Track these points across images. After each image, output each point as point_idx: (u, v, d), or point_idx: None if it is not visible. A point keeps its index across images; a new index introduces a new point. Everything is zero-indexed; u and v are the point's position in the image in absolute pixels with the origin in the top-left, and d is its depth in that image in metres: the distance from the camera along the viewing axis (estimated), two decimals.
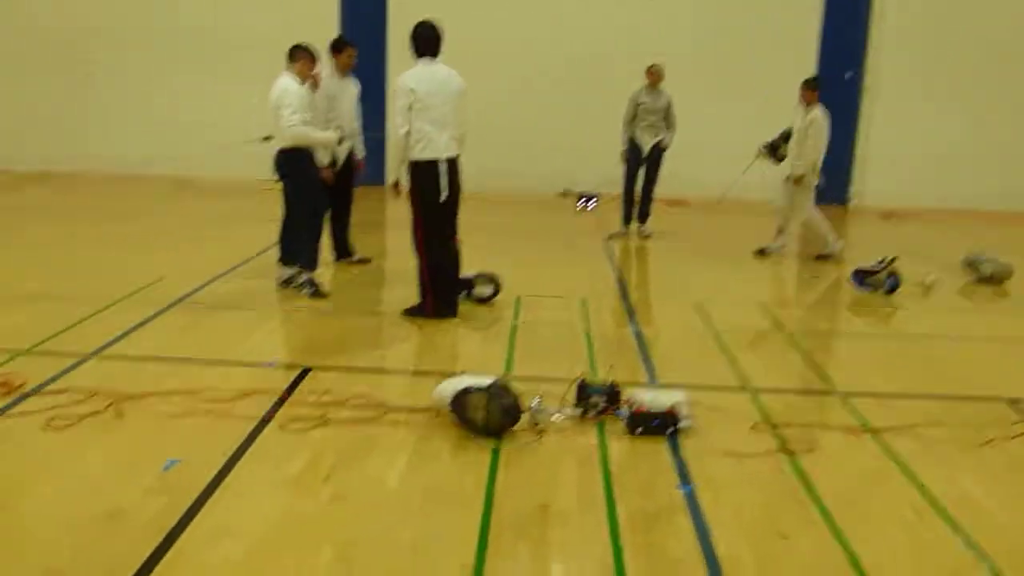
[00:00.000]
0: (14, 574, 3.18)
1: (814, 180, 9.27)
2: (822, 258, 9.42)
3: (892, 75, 13.28)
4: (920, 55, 13.14)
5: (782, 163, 9.48)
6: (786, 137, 9.43)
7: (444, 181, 6.30)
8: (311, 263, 7.13)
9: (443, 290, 6.58)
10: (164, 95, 13.77)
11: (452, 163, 6.36)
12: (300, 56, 6.96)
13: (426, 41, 6.34)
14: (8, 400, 4.73)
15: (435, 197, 6.32)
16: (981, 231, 11.70)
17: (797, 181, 9.22)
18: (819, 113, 9.11)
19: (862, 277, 8.07)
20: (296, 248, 7.21)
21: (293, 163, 6.93)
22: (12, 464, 4.09)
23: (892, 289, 7.95)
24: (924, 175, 13.35)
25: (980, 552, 3.56)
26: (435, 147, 6.27)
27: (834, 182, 13.59)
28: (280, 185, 7.20)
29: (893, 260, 8.02)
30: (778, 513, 3.86)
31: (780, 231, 9.53)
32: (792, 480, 4.20)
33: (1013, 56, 13.09)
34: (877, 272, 8.00)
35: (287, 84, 6.83)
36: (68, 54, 13.88)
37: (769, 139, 9.56)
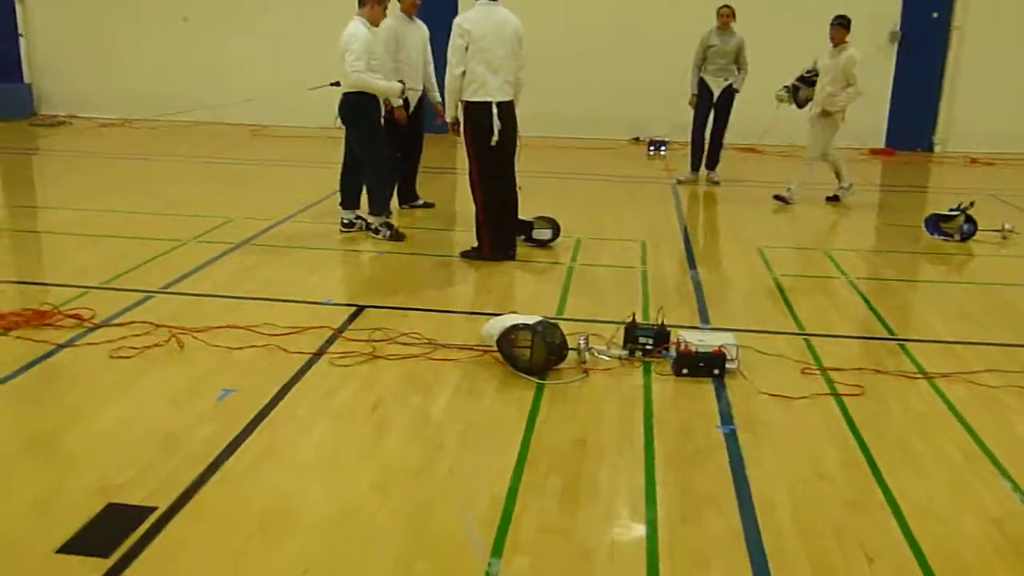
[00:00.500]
0: (74, 487, 3.37)
1: (841, 120, 8.96)
2: (832, 199, 9.28)
3: (981, 14, 12.63)
4: None
5: (804, 107, 9.14)
6: (805, 80, 9.06)
7: (496, 123, 6.31)
8: (382, 208, 7.25)
9: (500, 231, 6.62)
10: (240, 42, 13.96)
11: (504, 106, 6.36)
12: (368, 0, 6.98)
13: None
14: (78, 331, 4.97)
15: (487, 138, 6.36)
16: None
17: (825, 115, 8.91)
18: (856, 52, 8.78)
19: (936, 223, 7.81)
20: (350, 191, 7.39)
21: (356, 109, 6.99)
22: (79, 389, 4.31)
23: (967, 236, 7.67)
24: (1014, 119, 12.74)
25: None
26: (487, 89, 6.31)
27: (919, 127, 13.17)
28: (343, 130, 7.27)
29: (971, 205, 7.73)
30: (819, 455, 3.82)
31: (838, 175, 9.27)
32: (839, 423, 4.15)
33: None
34: (953, 218, 7.72)
35: (355, 29, 6.86)
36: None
37: (788, 82, 9.20)
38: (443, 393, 4.35)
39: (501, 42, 6.29)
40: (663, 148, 12.44)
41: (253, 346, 4.82)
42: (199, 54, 14.12)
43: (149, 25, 14.24)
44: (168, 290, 5.82)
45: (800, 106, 9.16)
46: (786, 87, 9.19)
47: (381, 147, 7.17)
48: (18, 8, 14.64)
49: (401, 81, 7.25)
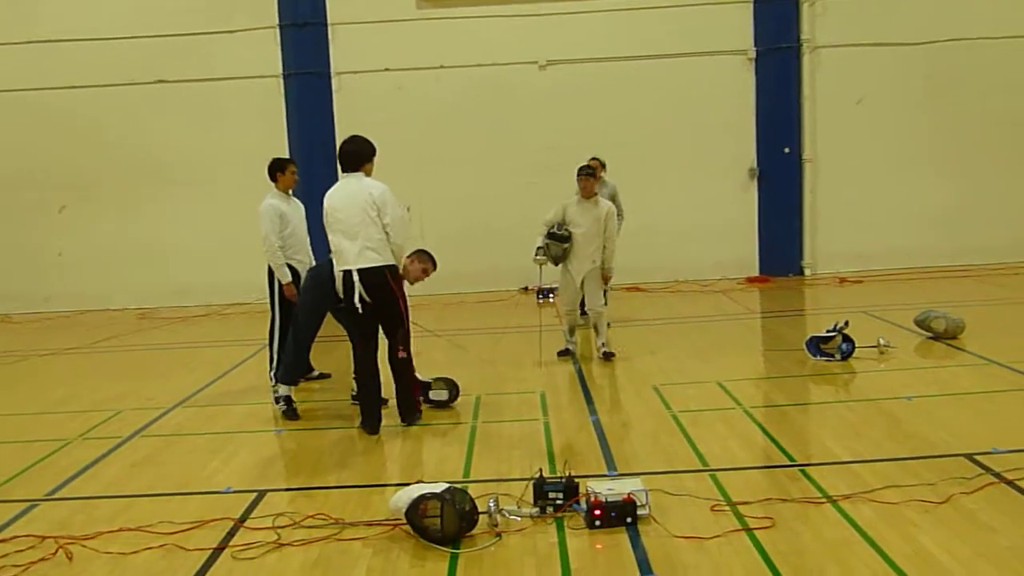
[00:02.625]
0: None
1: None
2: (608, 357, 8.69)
3: (826, 146, 13.69)
4: (853, 125, 13.60)
5: (559, 264, 8.57)
6: (555, 236, 8.36)
7: (358, 290, 6.31)
8: (294, 379, 7.23)
9: (363, 402, 6.63)
10: (122, 231, 13.88)
11: (367, 273, 6.32)
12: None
13: (343, 157, 6.48)
14: None
15: (351, 305, 6.36)
16: (932, 289, 11.92)
17: (606, 279, 8.61)
18: (611, 206, 8.65)
19: (817, 345, 8.15)
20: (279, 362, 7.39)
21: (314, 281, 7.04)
22: None
23: (848, 354, 8.03)
24: (871, 239, 13.68)
25: None
26: (345, 258, 6.34)
27: (788, 254, 13.93)
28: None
29: (846, 325, 8.12)
30: None
31: (598, 331, 8.86)
32: (754, 558, 4.18)
33: (943, 118, 13.57)
34: (831, 339, 8.08)
35: None
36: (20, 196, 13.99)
37: (542, 243, 8.41)
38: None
39: (354, 210, 6.28)
40: (552, 295, 12.72)
41: (149, 548, 4.58)
42: (76, 245, 13.93)
43: (23, 219, 14.00)
44: (54, 496, 5.51)
45: (556, 263, 8.57)
46: (539, 248, 8.40)
47: (316, 321, 7.15)
48: None
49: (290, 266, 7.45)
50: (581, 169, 8.58)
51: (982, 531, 4.33)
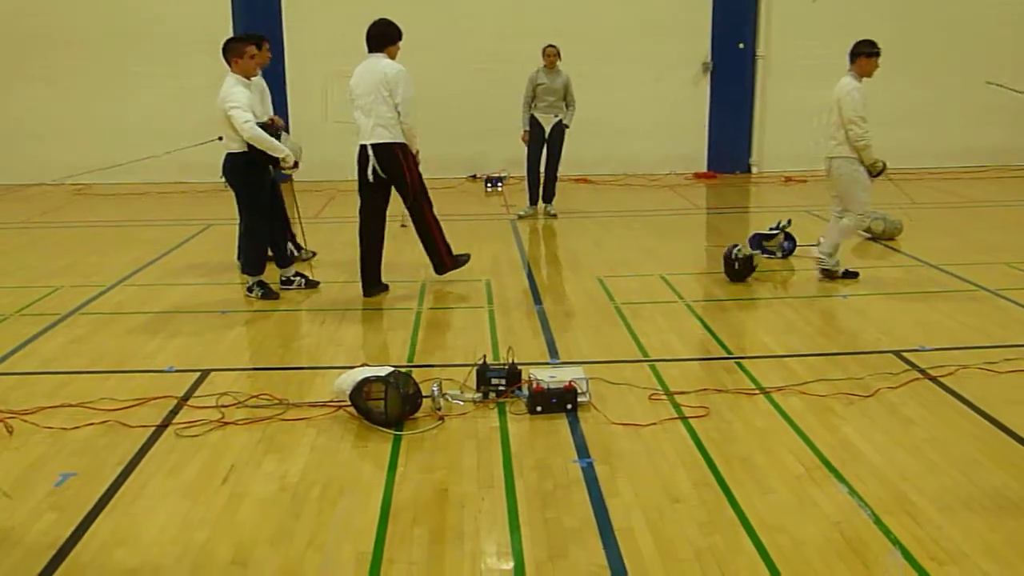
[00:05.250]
0: None
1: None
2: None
3: (781, 43, 13.59)
4: (809, 24, 13.49)
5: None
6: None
7: (371, 164, 6.74)
8: (259, 267, 7.10)
9: (363, 268, 7.00)
10: (58, 102, 13.35)
11: (379, 148, 6.71)
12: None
13: (369, 39, 6.89)
14: None
15: (364, 178, 6.83)
16: (874, 191, 12.05)
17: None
18: None
19: (759, 242, 8.28)
20: (279, 249, 7.36)
21: (245, 167, 6.78)
22: None
23: (788, 252, 8.18)
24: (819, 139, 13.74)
25: (860, 498, 3.74)
26: (362, 134, 6.80)
27: (736, 151, 13.98)
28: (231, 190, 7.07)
29: (788, 223, 8.25)
30: (672, 479, 3.97)
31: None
32: (687, 445, 4.33)
33: (899, 20, 13.52)
34: (773, 236, 8.22)
35: (230, 86, 6.66)
36: None
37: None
38: (298, 454, 4.26)
39: (368, 88, 6.69)
40: (500, 184, 12.68)
41: (90, 424, 4.59)
42: (5, 116, 13.39)
43: None
44: None
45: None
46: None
47: (264, 205, 7.01)
48: None
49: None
50: (872, 47, 7.56)
51: (902, 423, 4.54)
